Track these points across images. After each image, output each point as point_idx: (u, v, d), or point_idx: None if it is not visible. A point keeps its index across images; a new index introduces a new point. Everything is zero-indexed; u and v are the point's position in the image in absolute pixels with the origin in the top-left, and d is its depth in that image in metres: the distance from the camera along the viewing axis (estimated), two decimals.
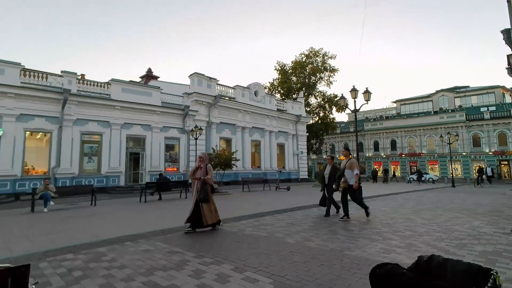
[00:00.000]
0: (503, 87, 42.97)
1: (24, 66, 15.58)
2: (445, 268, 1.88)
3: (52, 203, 10.11)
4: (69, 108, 16.34)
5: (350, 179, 6.92)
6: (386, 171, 31.25)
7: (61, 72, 16.64)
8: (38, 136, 16.63)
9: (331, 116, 37.64)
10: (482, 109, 39.89)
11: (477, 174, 23.82)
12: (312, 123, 35.76)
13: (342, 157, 7.44)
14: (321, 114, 37.56)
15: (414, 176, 33.44)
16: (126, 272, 3.44)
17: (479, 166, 27.12)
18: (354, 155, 11.91)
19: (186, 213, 5.98)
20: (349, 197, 7.04)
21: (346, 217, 6.82)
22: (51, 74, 16.57)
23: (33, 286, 1.43)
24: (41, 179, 12.85)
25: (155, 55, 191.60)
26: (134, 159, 19.77)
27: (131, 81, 22.28)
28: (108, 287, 3.00)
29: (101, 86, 18.19)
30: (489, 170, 24.85)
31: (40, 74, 16.18)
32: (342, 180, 7.05)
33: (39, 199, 9.57)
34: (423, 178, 29.30)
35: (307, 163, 33.81)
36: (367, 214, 7.02)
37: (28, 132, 15.65)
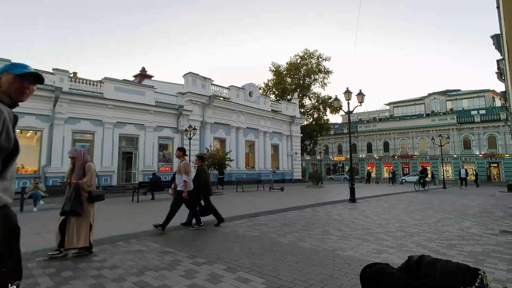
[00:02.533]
0: (493, 91, 43.85)
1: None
2: (435, 268, 1.91)
3: (42, 202, 9.94)
4: (61, 106, 16.10)
5: (180, 185, 5.87)
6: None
7: (53, 69, 16.38)
8: (28, 134, 16.34)
9: (325, 117, 37.98)
10: (472, 113, 40.71)
11: (419, 174, 19.90)
12: (306, 124, 35.94)
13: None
14: (315, 116, 37.82)
15: (407, 178, 33.94)
16: (117, 272, 3.40)
17: (422, 166, 23.11)
18: (347, 157, 11.92)
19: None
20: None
21: (198, 226, 5.98)
22: (42, 71, 16.24)
23: (14, 287, 1.38)
24: (31, 178, 12.61)
25: (149, 54, 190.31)
26: (127, 159, 19.57)
27: (124, 79, 22.05)
28: None
29: (93, 85, 17.96)
30: (463, 171, 22.24)
31: None
32: (173, 186, 6.24)
33: (29, 198, 9.41)
34: (398, 179, 29.28)
35: (301, 164, 33.93)
36: (194, 225, 6.03)
37: (18, 130, 15.32)
